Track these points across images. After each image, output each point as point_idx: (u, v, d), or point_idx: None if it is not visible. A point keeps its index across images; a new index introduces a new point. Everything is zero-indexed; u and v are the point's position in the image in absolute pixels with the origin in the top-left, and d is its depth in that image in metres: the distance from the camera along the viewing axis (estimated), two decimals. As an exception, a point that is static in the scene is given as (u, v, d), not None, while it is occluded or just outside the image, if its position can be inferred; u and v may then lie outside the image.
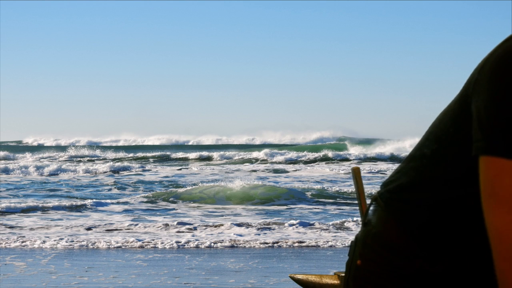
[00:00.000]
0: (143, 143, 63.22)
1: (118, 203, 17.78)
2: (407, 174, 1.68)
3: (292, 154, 39.13)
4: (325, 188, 20.89)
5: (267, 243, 11.90)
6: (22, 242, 11.90)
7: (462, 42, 76.02)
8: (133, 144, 63.00)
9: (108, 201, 18.05)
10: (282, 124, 77.03)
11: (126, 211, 16.53)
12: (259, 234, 12.89)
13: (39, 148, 53.45)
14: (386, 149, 42.18)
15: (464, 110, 1.55)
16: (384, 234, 1.67)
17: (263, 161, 37.73)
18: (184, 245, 11.77)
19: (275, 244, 11.84)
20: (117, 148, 48.94)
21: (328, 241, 12.06)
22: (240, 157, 40.28)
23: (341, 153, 40.89)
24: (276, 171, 31.00)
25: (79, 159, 41.12)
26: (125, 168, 30.71)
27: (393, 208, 1.67)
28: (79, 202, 17.42)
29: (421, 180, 1.64)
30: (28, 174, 27.90)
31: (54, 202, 17.37)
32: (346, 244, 11.87)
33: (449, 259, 1.60)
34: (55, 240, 11.95)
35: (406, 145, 43.11)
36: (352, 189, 19.55)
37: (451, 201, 1.59)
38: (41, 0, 76.71)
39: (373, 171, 29.75)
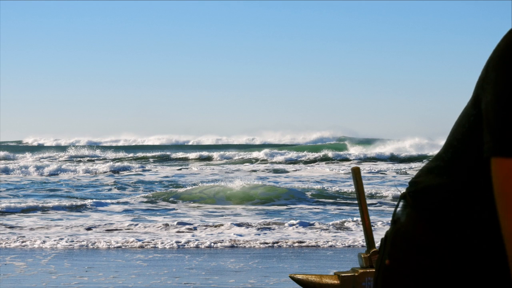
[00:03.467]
0: (143, 143, 63.21)
1: (118, 203, 17.78)
2: (434, 174, 1.66)
3: (292, 154, 39.13)
4: (325, 188, 20.89)
5: (267, 243, 11.90)
6: (22, 242, 11.90)
7: (462, 42, 76.04)
8: (133, 144, 63.00)
9: (108, 201, 18.05)
10: (282, 124, 77.05)
11: (126, 211, 16.53)
12: (259, 234, 12.89)
13: (39, 148, 53.45)
14: (386, 149, 42.18)
15: (477, 109, 1.53)
16: (414, 234, 1.65)
17: (263, 161, 37.73)
18: (184, 245, 11.77)
19: (275, 244, 11.84)
20: (117, 148, 48.93)
21: (328, 241, 12.06)
22: (240, 157, 40.28)
23: (341, 153, 40.90)
24: (276, 171, 31.00)
25: (79, 159, 41.12)
26: (125, 168, 30.71)
27: (423, 208, 1.65)
28: (79, 202, 17.42)
29: (447, 181, 1.62)
30: (28, 174, 27.90)
31: (54, 202, 17.37)
32: (346, 244, 11.87)
33: (479, 260, 1.57)
34: (55, 240, 11.95)
35: (406, 145, 43.11)
36: (352, 189, 19.55)
37: (478, 203, 1.56)
38: (41, 0, 76.73)
39: (373, 171, 29.75)
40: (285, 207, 17.49)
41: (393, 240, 1.69)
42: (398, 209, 1.72)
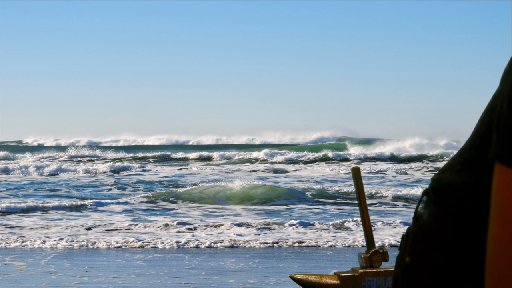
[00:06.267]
0: (143, 143, 63.23)
1: (118, 203, 17.78)
2: (457, 170, 1.63)
3: (292, 154, 39.14)
4: (325, 188, 20.89)
5: (267, 243, 11.90)
6: (22, 242, 11.90)
7: (462, 42, 76.07)
8: (133, 144, 63.02)
9: (108, 201, 18.05)
10: (282, 124, 77.03)
11: (126, 211, 16.53)
12: (259, 234, 12.89)
13: (39, 148, 53.45)
14: (386, 149, 42.18)
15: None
16: (436, 232, 1.63)
17: (263, 161, 37.73)
18: (184, 245, 11.77)
19: (275, 244, 11.84)
20: (117, 148, 48.94)
21: (328, 241, 12.06)
22: (240, 157, 40.29)
23: (341, 153, 40.90)
24: (276, 171, 31.00)
25: (79, 159, 41.12)
26: (125, 168, 30.71)
27: (445, 205, 1.63)
28: (79, 202, 17.42)
29: (470, 178, 1.60)
30: (28, 174, 27.90)
31: (54, 202, 17.37)
32: (346, 244, 11.87)
33: None
34: (55, 240, 11.95)
35: (406, 145, 43.12)
36: (352, 189, 19.55)
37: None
38: (41, 0, 76.74)
39: (373, 171, 29.75)
40: (285, 207, 17.48)
41: (414, 238, 1.67)
42: (420, 206, 1.69)
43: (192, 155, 41.57)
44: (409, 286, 1.67)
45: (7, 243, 11.83)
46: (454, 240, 1.61)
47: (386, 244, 11.56)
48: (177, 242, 11.91)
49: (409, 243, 1.69)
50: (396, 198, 19.04)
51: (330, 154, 39.61)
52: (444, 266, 1.62)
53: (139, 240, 12.01)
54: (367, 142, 49.36)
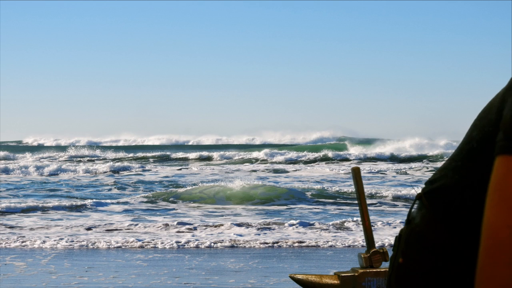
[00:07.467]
0: (143, 143, 63.23)
1: (118, 203, 17.78)
2: (451, 174, 1.65)
3: (292, 154, 39.14)
4: (325, 188, 20.89)
5: (267, 243, 11.90)
6: (22, 242, 11.90)
7: (462, 42, 76.07)
8: (133, 144, 63.02)
9: (108, 201, 18.05)
10: (282, 124, 77.00)
11: (126, 211, 16.53)
12: (259, 234, 12.89)
13: (39, 148, 53.44)
14: (386, 149, 42.18)
15: (499, 115, 1.52)
16: (427, 234, 1.66)
17: (263, 161, 37.73)
18: (184, 245, 11.77)
19: (275, 244, 11.84)
20: (117, 148, 48.93)
21: (328, 241, 12.06)
22: (240, 157, 40.29)
23: (341, 153, 40.90)
24: (276, 171, 31.00)
25: (79, 159, 41.12)
26: (125, 168, 30.71)
27: (438, 209, 1.66)
28: (79, 202, 17.42)
29: (462, 182, 1.62)
30: (28, 174, 27.90)
31: (54, 202, 17.37)
32: (346, 244, 11.87)
33: None
34: (55, 240, 11.95)
35: (406, 145, 43.12)
36: (352, 189, 19.55)
37: None
38: (41, 0, 76.75)
39: (373, 171, 29.74)
40: (285, 207, 17.48)
41: (407, 239, 1.71)
42: (413, 209, 1.73)
43: (192, 155, 41.57)
44: (402, 286, 1.71)
45: (7, 243, 11.84)
46: (445, 243, 1.64)
47: (386, 244, 11.56)
48: (177, 242, 11.91)
49: (401, 244, 1.72)
50: (396, 198, 19.04)
51: (330, 154, 39.61)
52: (436, 268, 1.65)
53: (139, 240, 12.01)
54: (367, 142, 49.37)
